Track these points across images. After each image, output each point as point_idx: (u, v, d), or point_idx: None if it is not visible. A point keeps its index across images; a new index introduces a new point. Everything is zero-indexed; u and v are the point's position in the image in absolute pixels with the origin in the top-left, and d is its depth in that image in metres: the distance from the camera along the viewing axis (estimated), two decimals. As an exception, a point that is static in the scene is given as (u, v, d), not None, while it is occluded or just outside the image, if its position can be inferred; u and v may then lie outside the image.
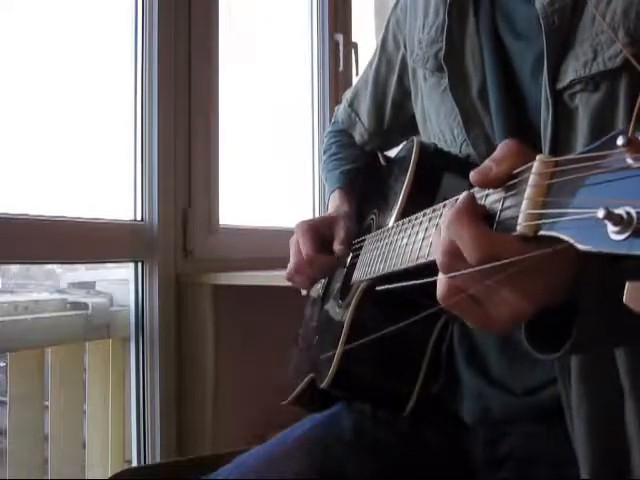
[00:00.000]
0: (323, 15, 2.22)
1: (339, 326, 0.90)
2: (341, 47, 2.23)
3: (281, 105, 2.13)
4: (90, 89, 1.57)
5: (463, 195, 0.54)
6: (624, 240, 0.38)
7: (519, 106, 0.79)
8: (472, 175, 0.53)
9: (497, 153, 0.52)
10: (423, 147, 0.89)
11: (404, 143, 0.99)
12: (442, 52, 0.87)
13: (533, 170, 0.47)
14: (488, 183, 0.52)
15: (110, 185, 1.63)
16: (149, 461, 1.57)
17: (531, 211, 0.46)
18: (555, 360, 0.73)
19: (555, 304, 0.54)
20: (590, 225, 0.40)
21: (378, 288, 0.63)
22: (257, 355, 1.67)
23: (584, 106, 0.70)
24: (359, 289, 0.87)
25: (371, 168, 1.14)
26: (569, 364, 0.71)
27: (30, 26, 1.48)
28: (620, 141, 0.39)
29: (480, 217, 0.52)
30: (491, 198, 0.53)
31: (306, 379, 0.99)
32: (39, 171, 1.49)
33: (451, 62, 0.85)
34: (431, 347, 0.88)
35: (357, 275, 0.90)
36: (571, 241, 0.42)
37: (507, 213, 0.50)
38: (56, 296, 1.71)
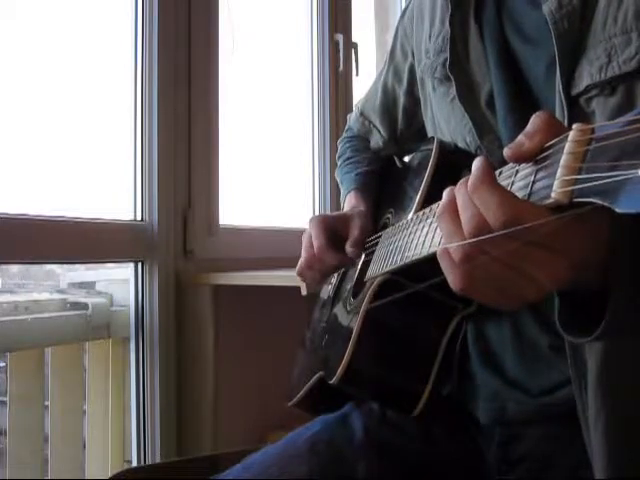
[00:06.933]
0: (323, 15, 2.22)
1: (351, 322, 0.89)
2: (341, 47, 2.23)
3: (281, 105, 2.13)
4: (90, 89, 1.57)
5: (476, 163, 0.54)
6: None
7: (529, 111, 0.79)
8: (505, 151, 0.52)
9: (529, 127, 0.52)
10: (443, 145, 0.89)
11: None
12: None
13: (570, 138, 0.46)
14: (521, 157, 0.52)
15: (110, 185, 1.63)
16: (149, 461, 1.57)
17: (567, 177, 0.45)
18: (571, 360, 0.70)
19: (588, 283, 0.53)
20: (628, 188, 0.39)
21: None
22: (257, 355, 1.68)
23: (601, 110, 0.69)
24: (375, 283, 0.86)
25: (387, 170, 1.14)
26: (585, 371, 0.68)
27: (30, 27, 1.48)
28: None
29: (497, 182, 0.52)
30: (522, 172, 0.52)
31: (314, 377, 0.98)
32: (39, 171, 1.49)
33: (457, 71, 0.85)
34: (444, 347, 0.87)
35: (372, 270, 0.89)
36: (608, 204, 0.40)
37: (540, 184, 0.49)
38: (56, 296, 1.71)
